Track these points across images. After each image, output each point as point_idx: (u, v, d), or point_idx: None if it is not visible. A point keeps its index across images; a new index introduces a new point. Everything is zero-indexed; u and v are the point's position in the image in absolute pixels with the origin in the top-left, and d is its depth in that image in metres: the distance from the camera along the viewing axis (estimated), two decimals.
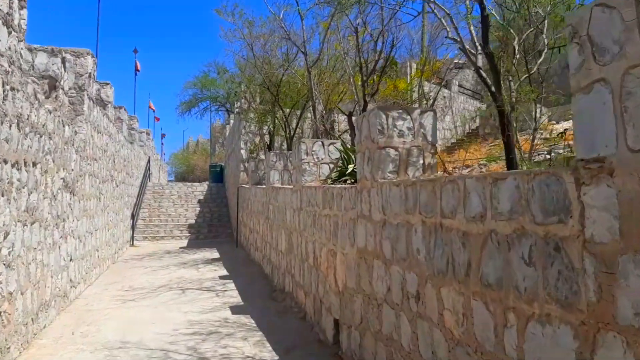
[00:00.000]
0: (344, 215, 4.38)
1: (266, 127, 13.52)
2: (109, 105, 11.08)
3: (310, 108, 11.87)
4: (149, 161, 20.01)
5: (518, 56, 6.98)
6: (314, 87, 8.43)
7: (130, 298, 7.47)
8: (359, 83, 8.40)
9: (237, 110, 15.10)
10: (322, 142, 6.01)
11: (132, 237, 14.99)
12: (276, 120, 11.53)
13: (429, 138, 3.60)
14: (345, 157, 6.08)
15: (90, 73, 8.65)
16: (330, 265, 4.69)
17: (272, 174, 8.43)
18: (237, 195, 13.59)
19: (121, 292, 8.05)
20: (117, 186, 12.05)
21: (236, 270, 9.78)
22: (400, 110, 3.60)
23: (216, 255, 12.46)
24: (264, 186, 9.78)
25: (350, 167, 5.70)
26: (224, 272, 9.71)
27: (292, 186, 7.07)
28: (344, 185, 4.85)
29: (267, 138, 13.58)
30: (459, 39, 5.92)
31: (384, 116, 3.58)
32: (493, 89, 5.29)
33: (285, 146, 11.37)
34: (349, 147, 6.41)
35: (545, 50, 7.55)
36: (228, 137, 20.05)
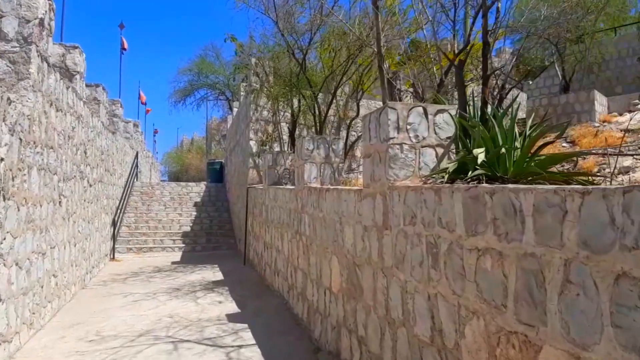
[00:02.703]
0: (549, 255, 1.88)
1: (282, 112, 10.95)
2: (78, 77, 8.49)
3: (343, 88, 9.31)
4: (136, 157, 17.44)
5: None
6: (380, 33, 5.85)
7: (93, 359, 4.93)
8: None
9: (244, 92, 12.54)
10: (424, 109, 3.47)
11: (113, 249, 12.41)
12: (302, 101, 8.95)
13: None
14: (467, 136, 3.53)
15: (41, 19, 6.09)
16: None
17: (308, 168, 5.87)
18: (245, 198, 11.01)
19: (83, 344, 5.49)
20: (90, 186, 9.49)
21: (250, 305, 7.21)
22: None
23: (219, 275, 9.89)
24: (290, 187, 7.21)
25: (481, 155, 3.16)
26: (233, 306, 7.14)
27: (353, 187, 4.55)
28: (487, 185, 2.35)
29: (283, 126, 11.02)
30: None
31: None
32: None
33: (308, 136, 8.80)
34: (468, 118, 3.84)
35: None
36: (230, 128, 17.46)
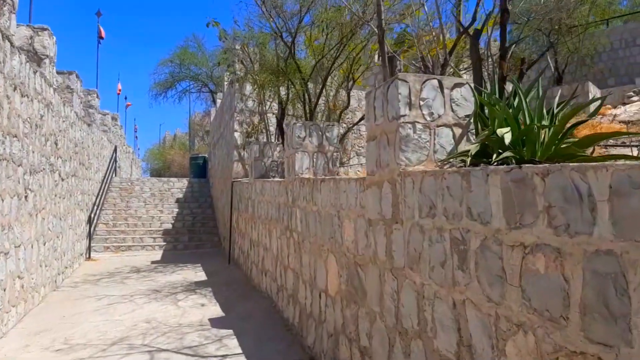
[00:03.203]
0: (635, 252, 1.42)
1: (269, 102, 10.42)
2: (47, 62, 7.87)
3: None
4: (115, 151, 16.74)
5: None
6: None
7: None
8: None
9: (228, 81, 11.97)
10: (440, 82, 2.99)
11: (89, 248, 11.76)
12: (290, 88, 8.40)
13: None
14: (486, 113, 3.06)
15: None
16: None
17: (300, 158, 5.36)
18: (230, 192, 10.47)
19: (48, 354, 4.93)
20: (62, 180, 8.86)
21: (235, 308, 6.69)
22: None
23: (202, 275, 9.34)
24: (279, 179, 6.71)
25: (507, 135, 2.69)
26: (217, 310, 6.62)
27: (355, 175, 4.07)
28: (537, 165, 1.88)
29: (270, 117, 10.50)
30: None
31: None
32: None
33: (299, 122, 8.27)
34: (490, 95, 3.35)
35: None
36: (214, 121, 16.85)
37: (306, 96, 7.88)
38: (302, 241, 5.03)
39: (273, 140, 9.55)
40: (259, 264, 7.62)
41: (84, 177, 11.18)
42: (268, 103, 10.32)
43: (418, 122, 2.95)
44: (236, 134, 10.51)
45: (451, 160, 2.96)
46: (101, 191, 13.59)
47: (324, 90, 8.95)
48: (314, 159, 5.43)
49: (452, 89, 3.04)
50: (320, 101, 9.96)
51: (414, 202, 2.75)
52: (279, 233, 6.16)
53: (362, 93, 12.76)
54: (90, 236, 11.83)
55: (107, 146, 15.32)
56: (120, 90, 30.47)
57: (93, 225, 12.53)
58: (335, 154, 5.49)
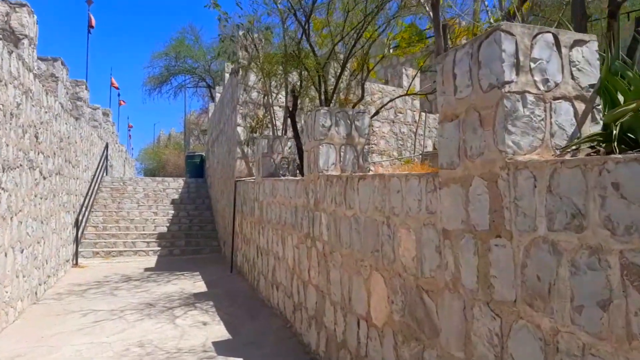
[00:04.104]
0: None
1: (275, 93, 9.53)
2: (26, 43, 6.95)
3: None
4: (106, 148, 15.80)
5: None
6: None
7: None
8: None
9: (229, 72, 11.09)
10: (555, 38, 2.12)
11: (77, 254, 10.84)
12: (302, 75, 7.49)
13: None
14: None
15: None
16: None
17: (325, 151, 4.47)
18: (233, 193, 9.57)
19: None
20: (44, 178, 7.95)
21: (243, 328, 5.79)
22: None
23: (201, 286, 8.44)
24: (295, 178, 5.83)
25: None
26: (221, 330, 5.72)
27: (411, 172, 3.22)
28: None
29: (277, 110, 9.62)
30: None
31: None
32: None
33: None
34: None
35: None
36: (212, 117, 15.94)
37: (321, 83, 6.96)
38: (330, 253, 4.15)
39: (280, 135, 8.66)
40: (268, 275, 6.74)
41: (71, 176, 10.26)
42: (274, 94, 9.43)
43: (529, 92, 2.07)
44: (239, 129, 9.61)
45: (573, 147, 2.09)
46: (90, 191, 12.66)
47: (344, 72, 7.97)
48: (341, 153, 4.55)
49: (571, 47, 2.17)
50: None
51: (536, 206, 1.87)
52: (296, 241, 5.28)
53: (374, 86, 11.90)
54: (77, 241, 10.91)
55: (97, 143, 14.38)
56: (116, 85, 29.34)
57: (81, 229, 11.60)
58: (366, 147, 4.62)
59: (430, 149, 12.04)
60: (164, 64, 18.71)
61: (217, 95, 14.57)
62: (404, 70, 12.31)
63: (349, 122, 4.57)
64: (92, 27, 18.96)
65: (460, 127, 2.34)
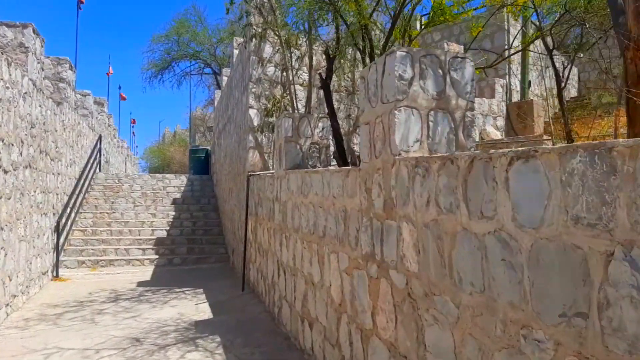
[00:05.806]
0: None
1: (296, 69, 7.83)
2: None
3: None
4: (99, 141, 14.14)
5: None
6: None
7: None
8: None
9: (239, 46, 9.40)
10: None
11: (57, 264, 9.17)
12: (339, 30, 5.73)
13: None
14: None
15: None
16: None
17: (402, 120, 2.74)
18: (245, 192, 7.84)
19: None
20: (5, 172, 6.29)
21: None
22: None
23: (205, 310, 6.73)
24: (341, 168, 4.10)
25: None
26: None
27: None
28: None
29: (298, 89, 7.93)
30: None
31: None
32: None
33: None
34: None
35: None
36: (218, 105, 14.22)
37: (366, 40, 5.18)
38: (425, 296, 2.41)
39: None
40: (295, 304, 5.01)
41: (49, 171, 8.59)
42: (295, 68, 7.70)
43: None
44: (251, 112, 7.88)
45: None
46: (78, 189, 11.01)
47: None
48: (430, 123, 2.79)
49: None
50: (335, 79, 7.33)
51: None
52: (346, 263, 3.54)
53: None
54: (58, 248, 9.25)
55: (87, 134, 12.71)
56: (111, 71, 27.68)
57: (64, 234, 9.95)
58: (470, 114, 2.86)
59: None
60: (164, 47, 17.02)
61: (224, 80, 12.86)
62: (445, 45, 10.52)
63: (441, 72, 2.82)
64: (82, 2, 17.32)
65: None
